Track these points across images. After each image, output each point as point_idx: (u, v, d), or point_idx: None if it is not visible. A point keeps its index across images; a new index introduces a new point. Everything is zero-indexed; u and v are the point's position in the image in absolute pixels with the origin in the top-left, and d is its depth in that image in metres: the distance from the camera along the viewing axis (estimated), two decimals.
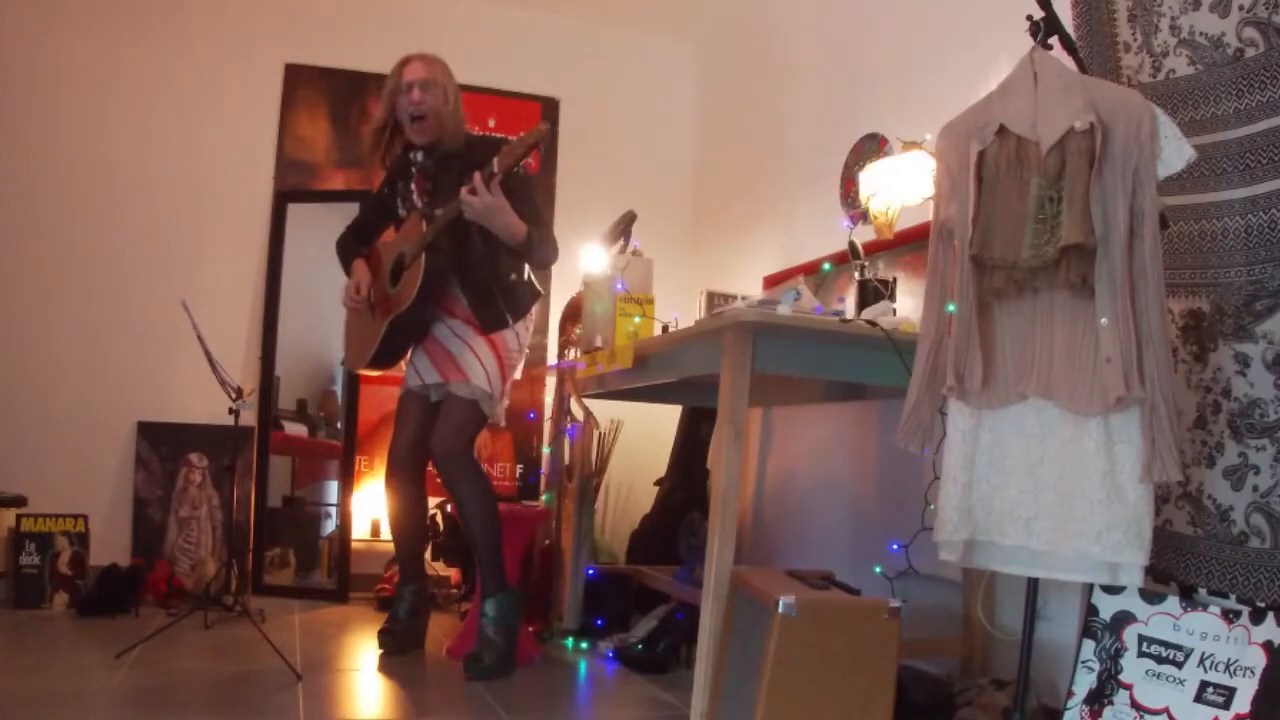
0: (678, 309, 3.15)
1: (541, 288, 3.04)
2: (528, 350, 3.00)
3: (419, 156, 2.91)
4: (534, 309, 2.99)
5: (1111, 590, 1.98)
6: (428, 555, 3.68)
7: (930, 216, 1.95)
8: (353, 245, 3.09)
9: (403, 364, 3.04)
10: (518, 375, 2.98)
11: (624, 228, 3.04)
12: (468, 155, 2.83)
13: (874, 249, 2.86)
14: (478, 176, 2.62)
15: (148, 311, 3.81)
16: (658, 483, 3.90)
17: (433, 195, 2.88)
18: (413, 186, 2.93)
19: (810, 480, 3.36)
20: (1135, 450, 1.66)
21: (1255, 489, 1.85)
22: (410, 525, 2.99)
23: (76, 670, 2.53)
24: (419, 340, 2.94)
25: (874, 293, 2.53)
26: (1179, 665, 1.85)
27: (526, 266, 2.91)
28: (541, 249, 2.82)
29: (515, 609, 2.79)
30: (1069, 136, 1.69)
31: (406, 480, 2.95)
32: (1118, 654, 1.94)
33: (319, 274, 3.98)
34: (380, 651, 2.88)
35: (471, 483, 2.79)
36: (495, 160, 2.61)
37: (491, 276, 2.84)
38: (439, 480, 2.86)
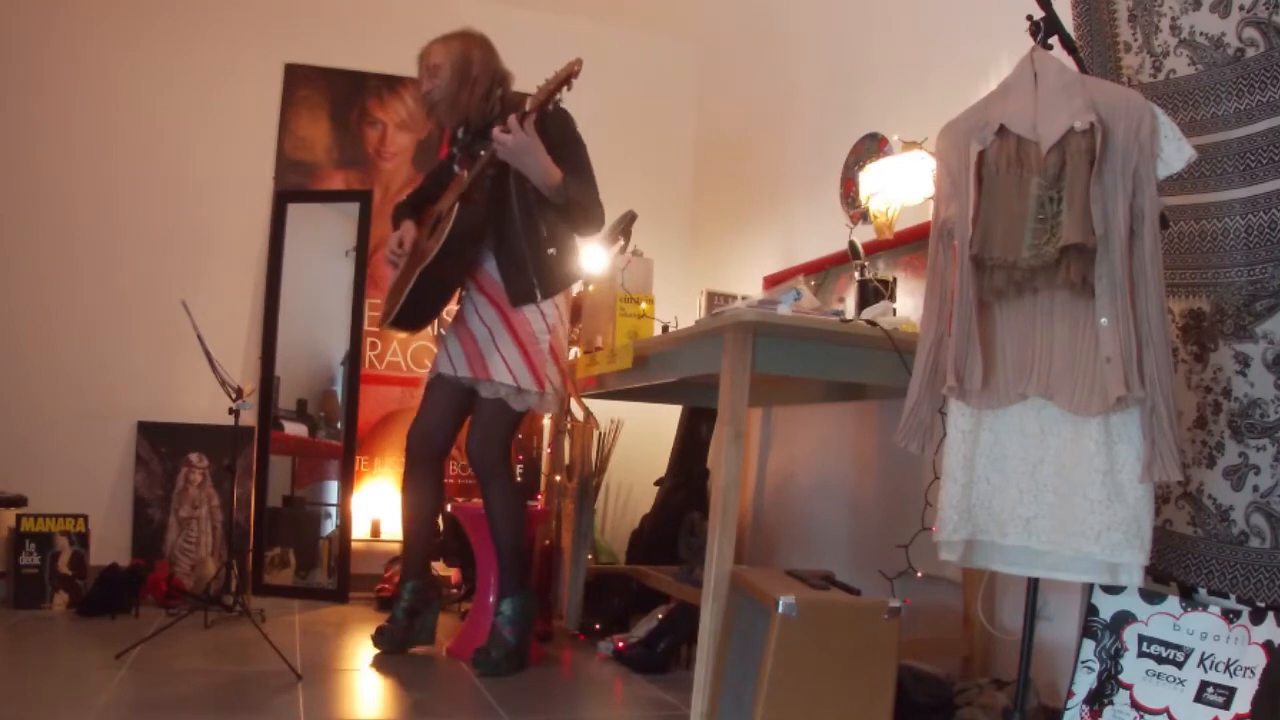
0: (678, 309, 3.15)
1: (580, 273, 2.96)
2: (564, 326, 2.90)
3: (460, 133, 2.90)
4: (563, 292, 2.90)
5: (1111, 590, 1.98)
6: None
7: (930, 216, 1.95)
8: (406, 210, 3.04)
9: (419, 351, 3.00)
10: (561, 346, 2.88)
11: (624, 228, 3.04)
12: (503, 119, 2.75)
13: (874, 249, 2.86)
14: (512, 117, 2.58)
15: (148, 311, 3.81)
16: (658, 483, 3.90)
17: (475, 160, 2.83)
18: (455, 167, 2.90)
19: (810, 480, 3.36)
20: (1135, 450, 1.66)
21: (1255, 489, 1.85)
22: (419, 521, 2.96)
23: (76, 670, 2.54)
24: (449, 308, 2.87)
25: (874, 293, 2.53)
26: (1179, 665, 1.85)
27: (568, 244, 2.85)
28: (581, 203, 2.71)
29: (530, 610, 2.82)
30: (1069, 136, 1.69)
31: (420, 471, 2.92)
32: (1118, 654, 1.94)
33: (319, 274, 3.99)
34: (376, 650, 2.87)
35: (500, 486, 2.78)
36: (528, 100, 2.58)
37: (528, 245, 2.76)
38: (452, 481, 2.85)
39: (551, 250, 2.81)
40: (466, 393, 2.87)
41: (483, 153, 2.71)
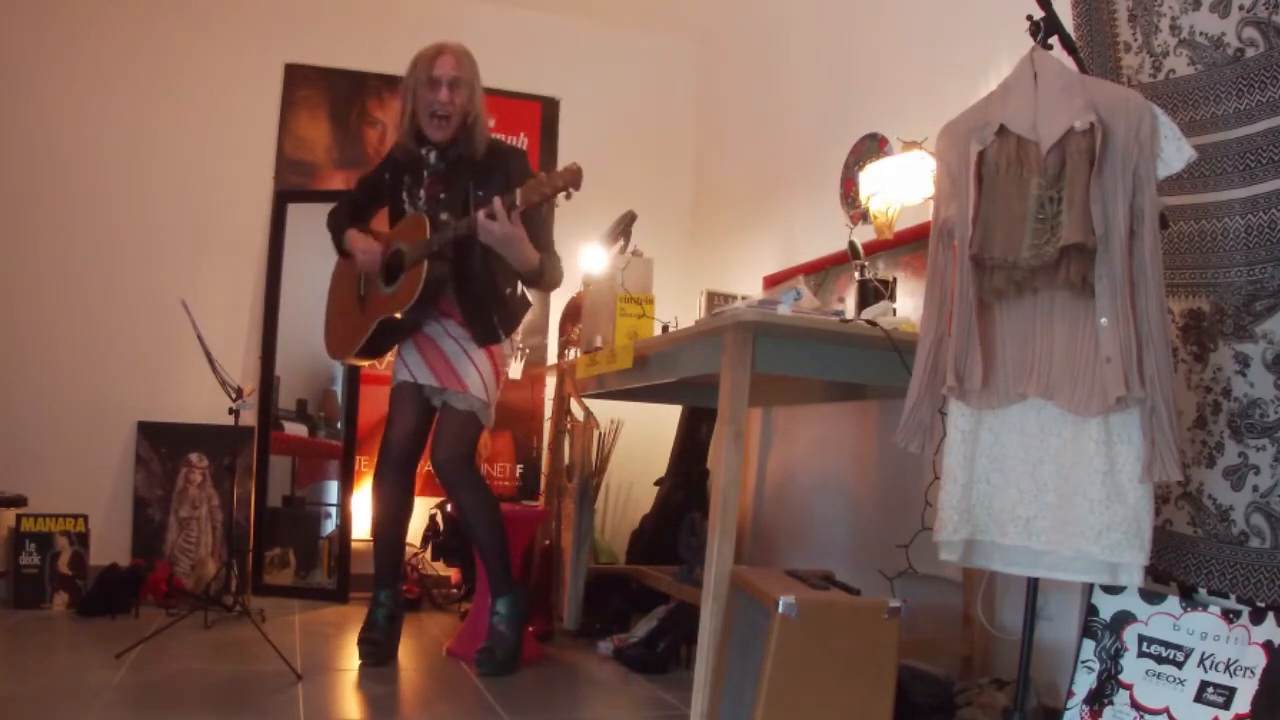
0: (678, 309, 3.15)
1: (532, 298, 3.03)
2: (520, 350, 3.02)
3: (431, 157, 2.83)
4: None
5: (1111, 590, 1.98)
6: (427, 555, 3.70)
7: (930, 216, 1.95)
8: (346, 220, 2.99)
9: (389, 357, 3.01)
10: (514, 374, 2.99)
11: (624, 228, 3.04)
12: (486, 163, 2.77)
13: (874, 249, 2.86)
14: (498, 202, 2.54)
15: (148, 311, 3.81)
16: (658, 483, 3.90)
17: (441, 201, 2.81)
18: (422, 191, 2.86)
19: (810, 480, 3.36)
20: (1135, 450, 1.66)
21: (1255, 489, 1.85)
22: (394, 525, 2.93)
23: (76, 670, 2.54)
24: (407, 335, 2.89)
25: (874, 293, 2.53)
26: (1179, 665, 1.85)
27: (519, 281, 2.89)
28: (549, 277, 2.79)
29: (524, 605, 2.86)
30: (1069, 136, 1.69)
31: (397, 476, 2.89)
32: (1118, 654, 1.94)
33: (319, 274, 3.98)
34: (361, 662, 2.76)
35: (472, 490, 2.81)
36: (520, 192, 2.54)
37: (489, 291, 2.81)
38: (436, 481, 2.86)
39: (509, 290, 2.87)
40: (427, 400, 2.88)
41: (449, 218, 2.71)
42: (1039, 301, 1.78)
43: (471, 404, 2.80)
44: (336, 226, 3.00)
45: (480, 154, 2.80)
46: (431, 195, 2.84)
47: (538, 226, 2.74)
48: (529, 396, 4.19)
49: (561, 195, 2.51)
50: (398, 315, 2.73)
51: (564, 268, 2.90)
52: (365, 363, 3.05)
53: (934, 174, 2.02)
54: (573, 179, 2.47)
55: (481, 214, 2.57)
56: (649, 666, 2.86)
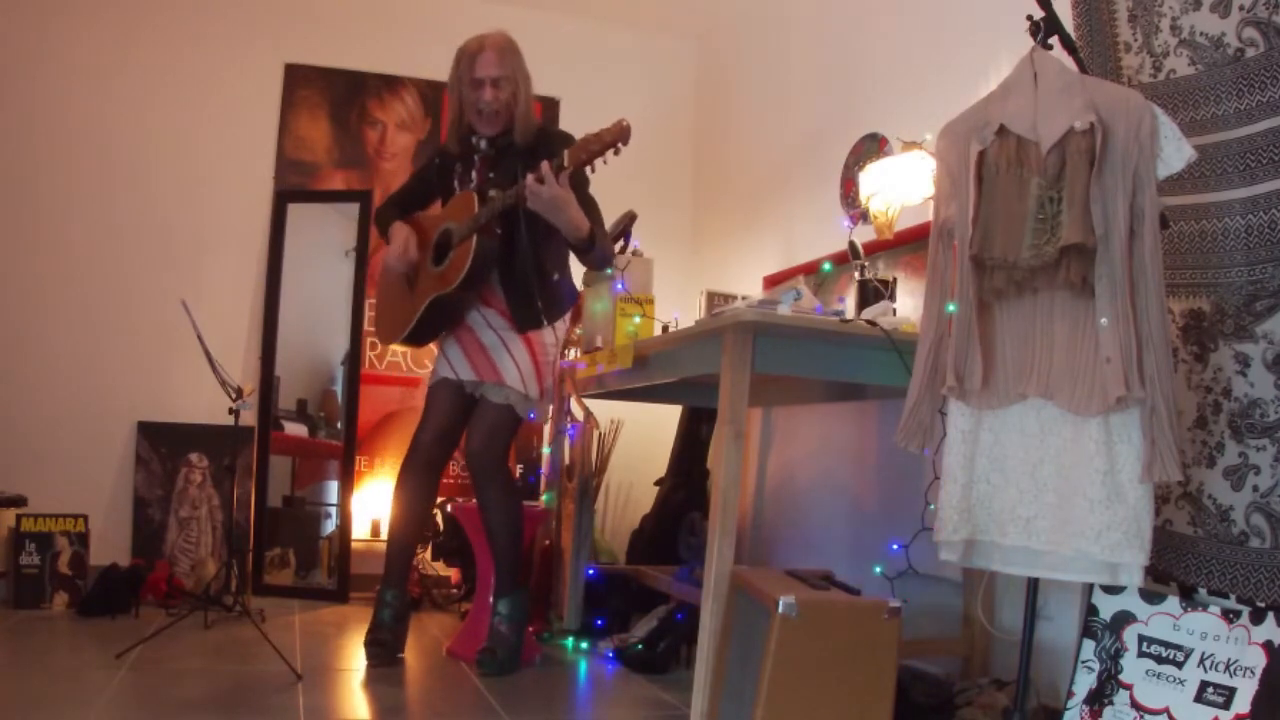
0: (678, 309, 3.15)
1: (575, 293, 2.99)
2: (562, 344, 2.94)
3: (483, 144, 2.83)
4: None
5: (1111, 590, 1.98)
6: (427, 555, 3.70)
7: (930, 216, 1.95)
8: (394, 212, 2.97)
9: (419, 352, 2.99)
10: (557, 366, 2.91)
11: (624, 228, 3.04)
12: (534, 146, 2.75)
13: (874, 249, 2.86)
14: (546, 165, 2.52)
15: (148, 311, 3.81)
16: (658, 483, 3.90)
17: (490, 181, 2.79)
18: (474, 174, 2.85)
19: (810, 480, 3.36)
20: (1135, 450, 1.66)
21: (1255, 489, 1.85)
22: (413, 526, 2.92)
23: (76, 670, 2.54)
24: (453, 326, 2.87)
25: (874, 293, 2.53)
26: (1179, 665, 1.85)
27: (567, 264, 2.86)
28: (601, 245, 2.72)
29: (526, 606, 2.84)
30: (1069, 136, 1.69)
31: (422, 478, 2.88)
32: (1118, 654, 1.94)
33: (319, 274, 3.99)
34: (369, 663, 2.75)
35: (501, 486, 2.80)
36: (567, 152, 2.52)
37: (534, 273, 2.76)
38: (452, 481, 2.84)
39: (556, 276, 2.85)
40: (468, 397, 2.87)
41: (496, 192, 2.67)
42: (1039, 301, 1.78)
43: (508, 396, 2.77)
44: (383, 221, 2.97)
45: (530, 139, 2.78)
46: (482, 179, 2.84)
47: (587, 203, 2.71)
48: None
49: (610, 152, 2.47)
50: (448, 291, 2.69)
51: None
52: (412, 348, 3.02)
53: (934, 174, 2.02)
54: (621, 135, 2.43)
55: (530, 176, 2.53)
56: (649, 666, 2.86)
